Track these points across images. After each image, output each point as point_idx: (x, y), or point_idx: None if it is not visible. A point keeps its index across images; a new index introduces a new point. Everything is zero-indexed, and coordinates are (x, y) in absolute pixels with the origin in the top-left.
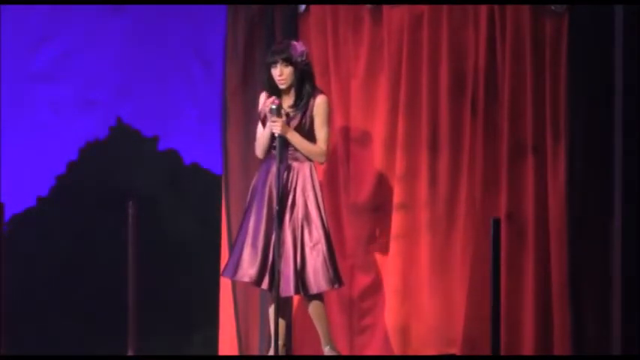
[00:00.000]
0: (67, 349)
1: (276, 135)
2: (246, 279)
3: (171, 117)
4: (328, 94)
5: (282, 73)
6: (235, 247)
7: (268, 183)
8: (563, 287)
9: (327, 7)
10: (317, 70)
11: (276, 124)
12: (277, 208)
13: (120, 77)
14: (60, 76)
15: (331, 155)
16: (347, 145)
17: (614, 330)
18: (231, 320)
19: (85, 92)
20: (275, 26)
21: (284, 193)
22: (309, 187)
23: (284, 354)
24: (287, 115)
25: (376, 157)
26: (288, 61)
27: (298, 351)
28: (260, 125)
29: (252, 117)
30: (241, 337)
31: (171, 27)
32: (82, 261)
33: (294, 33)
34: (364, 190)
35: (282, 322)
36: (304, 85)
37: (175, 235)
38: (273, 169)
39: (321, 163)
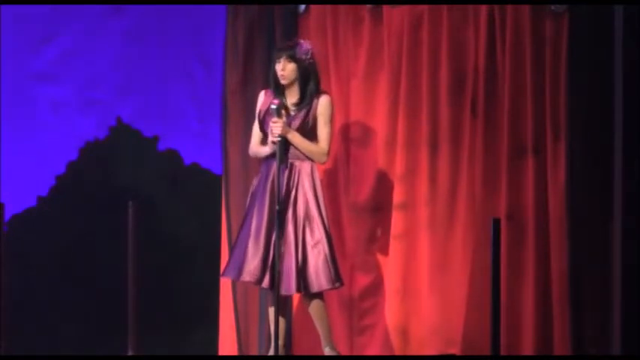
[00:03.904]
0: (67, 349)
1: (277, 135)
2: (248, 278)
3: (171, 117)
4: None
5: (284, 69)
6: (237, 248)
7: (269, 183)
8: (563, 287)
9: (327, 7)
10: None
11: (276, 124)
12: (278, 207)
13: (120, 77)
14: (60, 76)
15: (331, 155)
16: (347, 145)
17: (614, 330)
18: (231, 320)
19: (85, 92)
20: (275, 26)
21: (285, 191)
22: (310, 185)
23: (284, 354)
24: (288, 114)
25: (376, 156)
26: (292, 57)
27: (298, 351)
28: (256, 125)
29: (252, 117)
30: (241, 337)
31: (171, 27)
32: (82, 261)
33: (294, 33)
34: (364, 190)
35: (282, 322)
36: (308, 83)
37: (175, 236)
38: (274, 168)
39: (323, 163)
